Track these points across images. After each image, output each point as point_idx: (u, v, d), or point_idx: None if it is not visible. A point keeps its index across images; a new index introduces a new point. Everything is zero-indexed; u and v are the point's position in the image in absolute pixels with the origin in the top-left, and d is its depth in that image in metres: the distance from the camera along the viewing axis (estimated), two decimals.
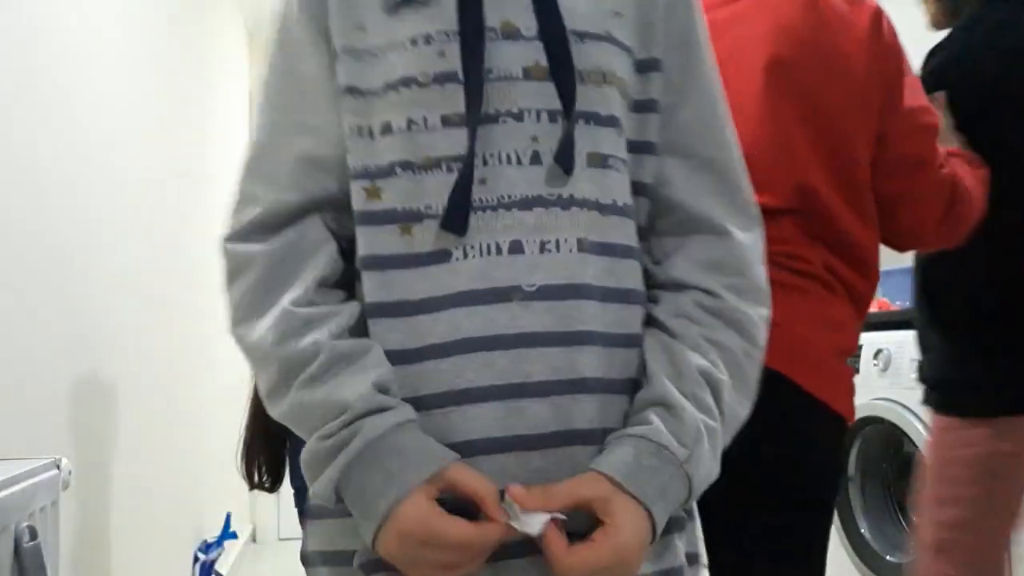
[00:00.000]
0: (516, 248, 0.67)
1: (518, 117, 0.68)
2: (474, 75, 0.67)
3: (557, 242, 0.67)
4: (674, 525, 0.72)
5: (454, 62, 0.68)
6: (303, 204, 0.71)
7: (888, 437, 2.11)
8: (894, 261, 3.10)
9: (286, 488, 1.73)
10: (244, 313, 0.69)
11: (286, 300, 0.67)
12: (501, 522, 0.60)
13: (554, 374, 0.66)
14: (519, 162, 0.68)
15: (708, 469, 0.67)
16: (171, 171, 2.43)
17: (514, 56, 0.69)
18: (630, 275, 0.72)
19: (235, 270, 0.71)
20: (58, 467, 1.01)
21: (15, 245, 1.35)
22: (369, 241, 0.70)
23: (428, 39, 0.68)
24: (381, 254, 0.69)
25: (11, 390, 1.31)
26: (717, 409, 0.68)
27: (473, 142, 0.66)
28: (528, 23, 0.69)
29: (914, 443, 1.94)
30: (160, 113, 2.31)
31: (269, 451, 1.62)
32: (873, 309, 2.31)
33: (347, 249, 0.73)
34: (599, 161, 0.70)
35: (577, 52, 0.69)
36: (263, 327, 0.66)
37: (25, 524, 0.88)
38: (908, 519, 2.15)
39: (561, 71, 0.68)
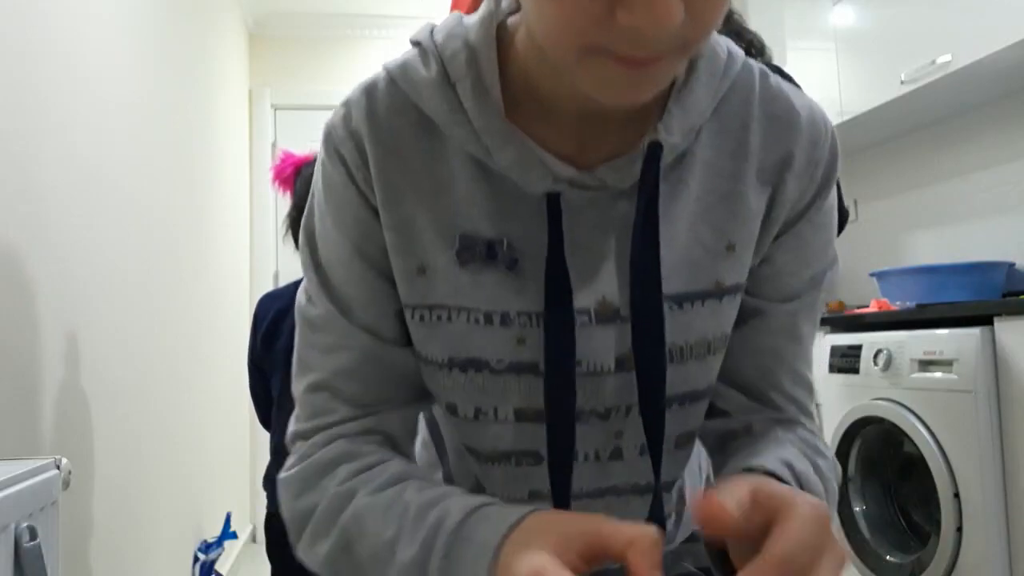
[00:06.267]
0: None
1: (604, 416, 0.61)
2: (563, 409, 0.58)
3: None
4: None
5: (535, 351, 0.58)
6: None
7: (888, 437, 2.11)
8: (894, 261, 3.12)
9: None
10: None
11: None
12: None
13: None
14: (597, 458, 0.63)
15: None
16: (171, 171, 2.43)
17: (607, 345, 0.59)
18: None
19: None
20: (58, 467, 1.01)
21: (15, 245, 1.35)
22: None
23: (506, 319, 0.58)
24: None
25: (11, 390, 1.31)
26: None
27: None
28: (627, 296, 0.59)
29: (914, 443, 1.95)
30: (160, 113, 2.31)
31: None
32: (873, 309, 2.32)
33: None
34: (687, 440, 0.65)
35: (678, 325, 0.59)
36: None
37: (25, 524, 0.88)
38: (908, 519, 2.15)
39: (650, 402, 0.59)
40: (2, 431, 1.27)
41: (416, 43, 0.60)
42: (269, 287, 3.65)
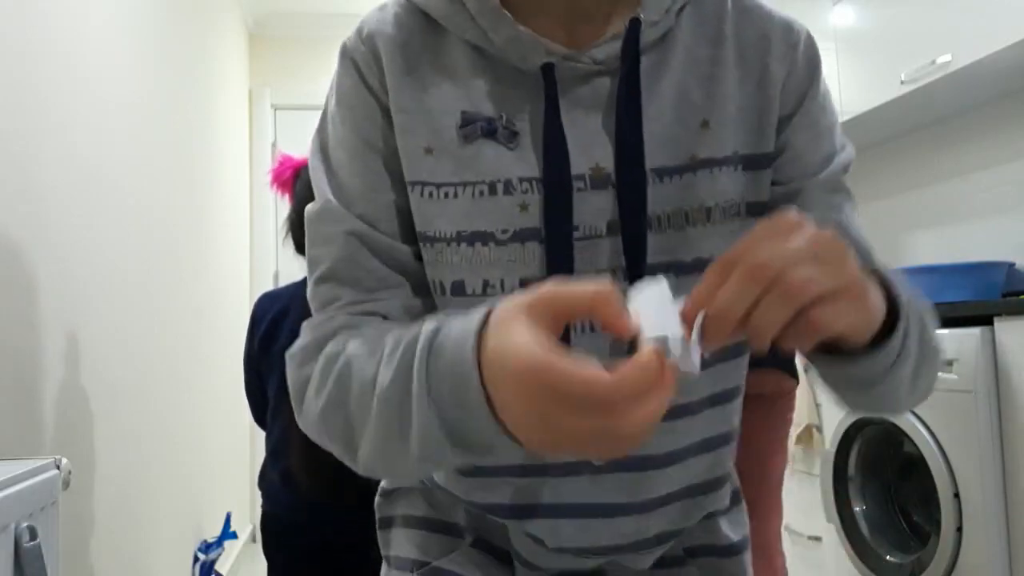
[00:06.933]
0: None
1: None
2: (563, 273, 0.61)
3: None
4: (718, 509, 0.75)
5: (536, 218, 0.62)
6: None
7: (888, 437, 2.11)
8: (894, 261, 3.12)
9: None
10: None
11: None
12: (653, 352, 0.41)
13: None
14: (592, 329, 0.64)
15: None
16: (171, 171, 2.43)
17: (602, 208, 0.63)
18: (732, 378, 0.71)
19: None
20: (58, 467, 1.01)
21: (15, 245, 1.35)
22: None
23: (509, 187, 0.62)
24: None
25: (11, 390, 1.31)
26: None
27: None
28: None
29: (914, 443, 1.95)
30: (160, 113, 2.31)
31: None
32: None
33: None
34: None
35: (659, 196, 0.63)
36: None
37: (25, 524, 0.88)
38: (908, 519, 2.15)
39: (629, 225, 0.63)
40: (2, 431, 1.27)
41: None
42: (269, 287, 3.64)
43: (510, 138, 0.63)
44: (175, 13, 2.54)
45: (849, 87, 2.73)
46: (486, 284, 0.63)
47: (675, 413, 0.66)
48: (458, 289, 0.64)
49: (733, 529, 0.77)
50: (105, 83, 1.82)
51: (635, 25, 0.63)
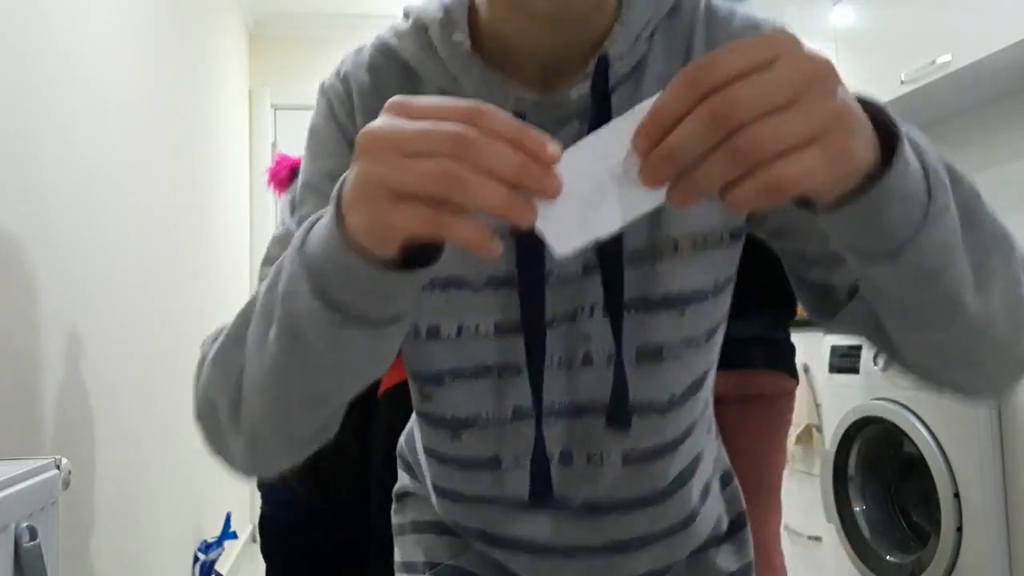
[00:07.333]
0: (565, 459, 0.66)
1: (571, 317, 0.64)
2: (534, 318, 0.61)
3: (602, 456, 0.66)
4: (710, 541, 0.74)
5: (511, 262, 0.61)
6: None
7: (888, 437, 2.11)
8: None
9: None
10: None
11: None
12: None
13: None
14: (569, 367, 0.64)
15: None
16: (171, 171, 2.43)
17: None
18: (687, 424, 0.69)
19: None
20: (58, 467, 1.01)
21: (16, 245, 1.35)
22: (426, 434, 0.71)
23: None
24: (436, 449, 0.70)
25: (11, 390, 1.31)
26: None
27: (539, 408, 0.63)
28: None
29: (914, 443, 1.95)
30: (160, 113, 2.31)
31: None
32: None
33: None
34: (649, 357, 0.65)
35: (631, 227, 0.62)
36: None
37: (25, 524, 0.88)
38: (908, 519, 2.15)
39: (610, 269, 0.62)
40: (2, 431, 1.27)
41: (405, 11, 0.68)
42: None
43: None
44: (175, 13, 2.54)
45: (849, 87, 2.72)
46: (461, 328, 0.63)
47: (642, 457, 0.66)
48: (433, 333, 0.64)
49: (732, 559, 0.77)
50: (105, 83, 1.82)
51: (603, 63, 0.60)
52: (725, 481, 0.79)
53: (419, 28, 0.64)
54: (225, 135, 3.41)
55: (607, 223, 0.41)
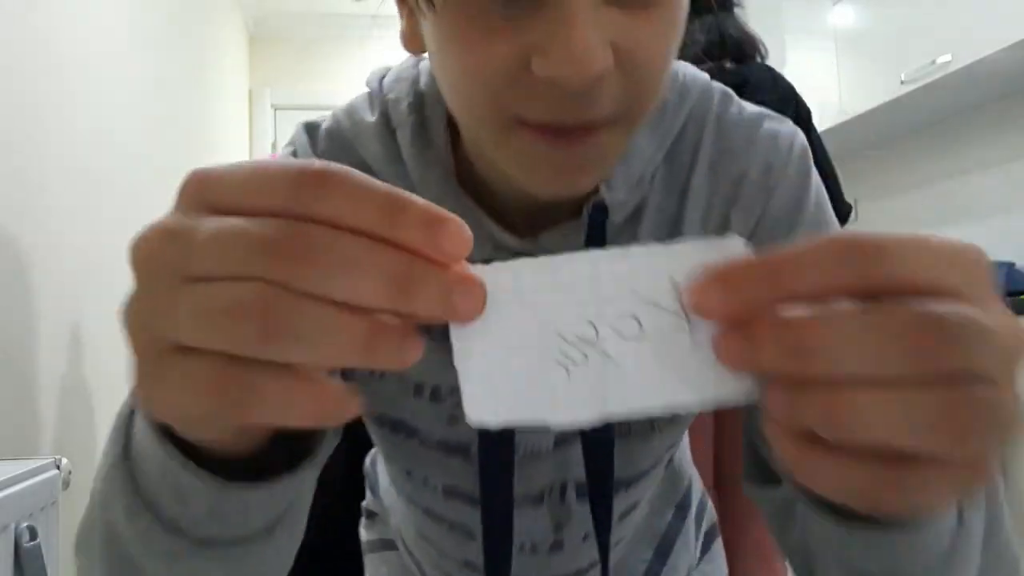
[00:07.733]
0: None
1: (538, 500, 0.56)
2: (498, 502, 0.52)
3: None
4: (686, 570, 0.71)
5: (469, 434, 0.52)
6: None
7: None
8: None
9: None
10: None
11: None
12: None
13: None
14: (533, 551, 0.58)
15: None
16: (171, 171, 2.43)
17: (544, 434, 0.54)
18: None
19: None
20: (58, 467, 1.01)
21: (15, 245, 1.35)
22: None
23: (436, 394, 0.52)
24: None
25: (11, 390, 1.31)
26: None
27: None
28: None
29: None
30: (159, 113, 2.31)
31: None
32: None
33: None
34: (629, 511, 0.60)
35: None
36: None
37: (25, 524, 0.88)
38: None
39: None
40: (2, 431, 1.27)
41: (367, 86, 0.55)
42: None
43: (444, 338, 0.50)
44: (175, 14, 2.54)
45: (849, 87, 2.72)
46: (409, 472, 0.57)
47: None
48: (388, 458, 0.59)
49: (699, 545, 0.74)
50: (106, 83, 1.82)
51: (599, 211, 0.49)
52: (700, 510, 0.75)
53: (384, 129, 0.52)
54: (225, 135, 3.41)
55: (581, 404, 0.25)
